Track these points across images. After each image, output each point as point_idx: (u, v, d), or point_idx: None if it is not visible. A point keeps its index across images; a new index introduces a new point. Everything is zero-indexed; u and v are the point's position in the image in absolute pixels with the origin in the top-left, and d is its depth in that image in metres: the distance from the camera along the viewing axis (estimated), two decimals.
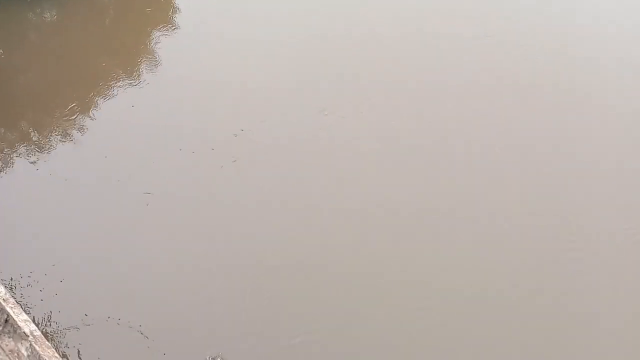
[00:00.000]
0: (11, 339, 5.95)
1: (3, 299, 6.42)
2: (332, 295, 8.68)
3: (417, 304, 8.65)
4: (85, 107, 11.07)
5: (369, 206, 9.83)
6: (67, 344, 7.91)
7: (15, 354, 5.70)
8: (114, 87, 11.35)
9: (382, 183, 10.18)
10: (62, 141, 10.66)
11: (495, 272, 9.06)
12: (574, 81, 12.07)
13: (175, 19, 12.47)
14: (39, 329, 7.33)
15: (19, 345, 6.02)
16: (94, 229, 9.41)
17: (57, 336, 7.96)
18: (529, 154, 10.73)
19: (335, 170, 10.35)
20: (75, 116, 10.92)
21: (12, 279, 8.62)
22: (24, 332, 6.22)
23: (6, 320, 6.13)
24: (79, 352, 7.87)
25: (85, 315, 8.24)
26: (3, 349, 5.60)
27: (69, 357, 7.76)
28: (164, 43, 12.11)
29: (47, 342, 6.66)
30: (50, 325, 8.08)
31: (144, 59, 11.79)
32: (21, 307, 6.96)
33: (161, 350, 8.04)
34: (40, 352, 6.25)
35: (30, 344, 6.19)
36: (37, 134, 10.70)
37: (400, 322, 8.42)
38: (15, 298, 7.54)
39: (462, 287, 8.85)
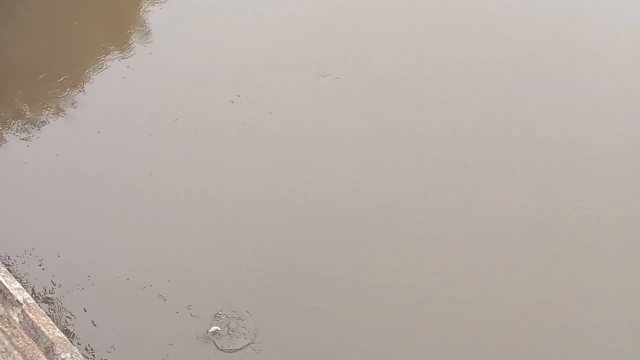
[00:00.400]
0: (0, 304, 5.77)
1: None
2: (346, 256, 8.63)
3: (432, 272, 8.58)
4: (76, 81, 10.84)
5: (370, 171, 9.66)
6: (72, 303, 7.91)
7: (6, 319, 5.51)
8: (104, 59, 11.11)
9: (385, 151, 9.98)
10: (53, 116, 10.44)
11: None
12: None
13: None
14: (42, 295, 7.25)
15: (10, 311, 5.84)
16: (94, 203, 9.26)
17: (61, 298, 7.90)
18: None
19: (335, 131, 10.13)
20: (66, 91, 10.70)
21: (8, 256, 8.47)
22: (16, 300, 6.03)
23: None
24: (84, 310, 7.87)
25: (89, 277, 8.18)
26: None
27: (74, 315, 7.68)
28: (154, 12, 11.83)
29: (41, 310, 6.49)
30: (53, 291, 8.01)
31: (134, 30, 11.52)
32: (14, 276, 6.79)
33: (174, 308, 8.02)
34: (34, 319, 6.07)
35: (23, 311, 6.00)
36: (27, 110, 10.48)
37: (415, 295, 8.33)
38: (10, 268, 7.40)
39: (476, 262, 8.72)
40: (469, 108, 10.60)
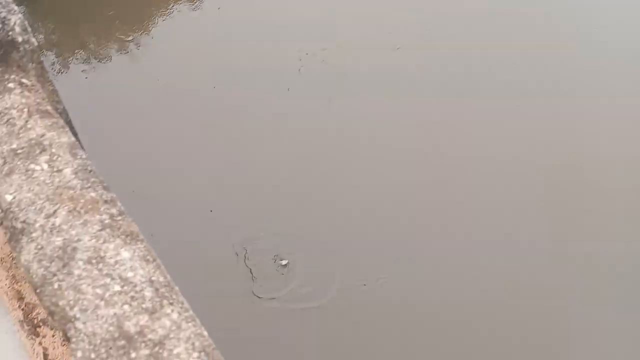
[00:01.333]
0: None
1: None
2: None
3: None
4: (143, 24, 10.88)
5: (439, 139, 9.60)
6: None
7: None
8: (174, 8, 11.16)
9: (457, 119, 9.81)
10: (116, 54, 10.46)
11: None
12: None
13: None
14: None
15: None
16: (146, 138, 9.25)
17: None
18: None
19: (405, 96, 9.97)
20: (132, 31, 10.75)
21: None
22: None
23: None
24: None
25: (133, 191, 8.16)
26: None
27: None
28: None
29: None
30: None
31: None
32: None
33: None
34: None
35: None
36: (92, 43, 10.48)
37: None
38: None
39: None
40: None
